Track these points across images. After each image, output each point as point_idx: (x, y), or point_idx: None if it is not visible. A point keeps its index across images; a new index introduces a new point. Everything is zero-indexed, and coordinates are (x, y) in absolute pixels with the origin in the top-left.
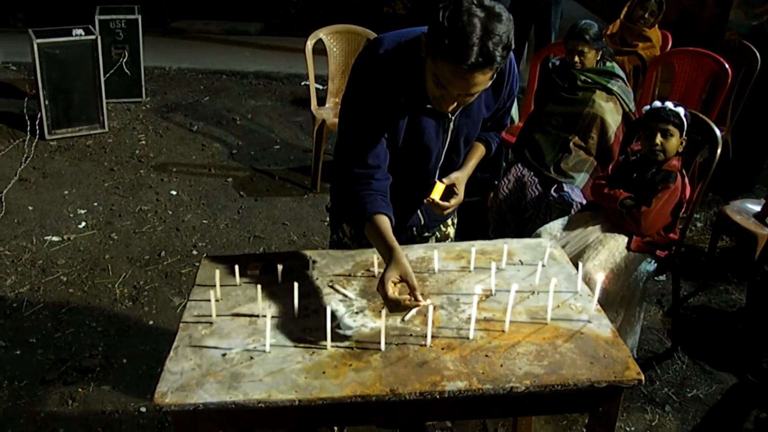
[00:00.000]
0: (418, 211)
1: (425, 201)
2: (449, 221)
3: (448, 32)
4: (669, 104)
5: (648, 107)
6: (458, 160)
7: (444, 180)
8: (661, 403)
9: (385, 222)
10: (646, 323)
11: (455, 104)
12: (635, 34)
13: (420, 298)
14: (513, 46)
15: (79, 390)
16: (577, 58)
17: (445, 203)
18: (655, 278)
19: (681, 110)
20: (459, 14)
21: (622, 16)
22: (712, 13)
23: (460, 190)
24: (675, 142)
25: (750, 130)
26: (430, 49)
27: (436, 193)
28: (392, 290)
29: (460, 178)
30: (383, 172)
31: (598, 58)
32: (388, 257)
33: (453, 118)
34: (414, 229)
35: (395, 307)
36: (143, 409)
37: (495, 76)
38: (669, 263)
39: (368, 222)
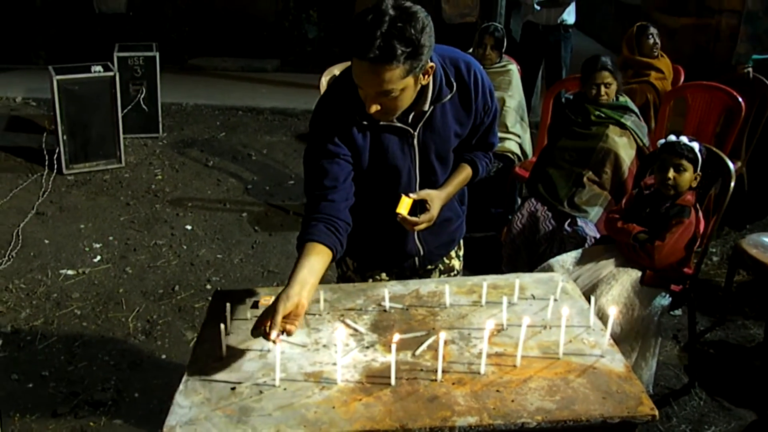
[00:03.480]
0: (416, 240)
1: (397, 218)
2: (453, 253)
3: (355, 27)
4: (684, 139)
5: (662, 141)
6: (437, 180)
7: (411, 195)
8: None
9: (309, 251)
10: (662, 359)
11: (379, 106)
12: (644, 65)
13: (273, 335)
14: (428, 44)
15: (91, 424)
16: (603, 90)
17: (414, 219)
18: (671, 313)
19: (696, 145)
20: (370, 12)
21: (625, 52)
22: (725, 47)
23: (434, 207)
24: (688, 177)
25: (764, 161)
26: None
27: (402, 207)
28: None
29: (432, 194)
30: (341, 193)
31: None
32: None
33: (416, 133)
34: (416, 259)
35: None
36: None
37: (413, 74)
38: (684, 297)
39: (299, 249)
